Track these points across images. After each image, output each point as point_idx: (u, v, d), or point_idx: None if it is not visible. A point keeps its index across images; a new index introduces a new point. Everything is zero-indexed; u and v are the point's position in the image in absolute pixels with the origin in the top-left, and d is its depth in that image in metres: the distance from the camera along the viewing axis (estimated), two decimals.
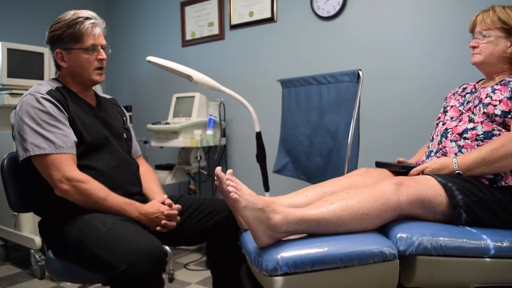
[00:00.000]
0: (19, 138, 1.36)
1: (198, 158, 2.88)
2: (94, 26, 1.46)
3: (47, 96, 1.36)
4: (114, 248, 1.17)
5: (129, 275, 1.12)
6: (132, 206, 1.38)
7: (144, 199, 1.52)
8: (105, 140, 1.47)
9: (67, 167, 1.32)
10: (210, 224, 1.50)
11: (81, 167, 1.38)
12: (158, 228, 1.39)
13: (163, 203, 1.43)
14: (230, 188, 1.08)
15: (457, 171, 1.28)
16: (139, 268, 1.12)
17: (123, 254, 1.14)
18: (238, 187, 1.09)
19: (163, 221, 1.38)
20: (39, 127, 1.33)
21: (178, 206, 1.46)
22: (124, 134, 1.60)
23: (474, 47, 1.47)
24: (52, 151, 1.32)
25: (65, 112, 1.39)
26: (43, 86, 1.42)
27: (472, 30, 1.50)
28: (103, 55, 1.49)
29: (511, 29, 1.39)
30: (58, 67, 1.51)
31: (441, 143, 1.42)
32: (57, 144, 1.32)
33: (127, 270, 1.11)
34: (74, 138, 1.38)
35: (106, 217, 1.29)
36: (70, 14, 1.46)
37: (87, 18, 1.45)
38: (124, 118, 1.68)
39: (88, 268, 1.26)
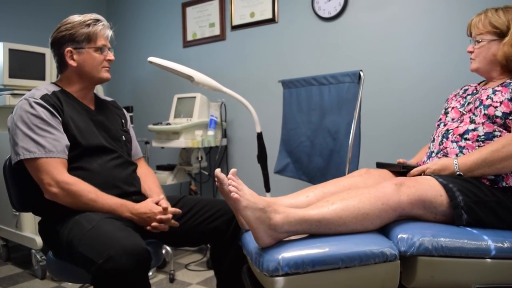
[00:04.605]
0: (12, 142, 1.38)
1: (199, 159, 2.88)
2: (105, 28, 1.53)
3: (40, 101, 1.38)
4: (95, 244, 1.16)
5: (106, 270, 1.10)
6: (123, 207, 1.38)
7: (143, 199, 1.51)
8: (100, 143, 1.48)
9: (56, 170, 1.33)
10: (213, 226, 1.50)
11: (75, 169, 1.39)
12: (148, 227, 1.39)
13: (157, 203, 1.43)
14: (231, 188, 1.08)
15: (458, 172, 1.29)
16: (116, 262, 1.09)
17: (101, 249, 1.13)
18: (239, 187, 1.09)
19: (154, 223, 1.38)
20: (31, 132, 1.35)
21: (174, 209, 1.45)
22: (123, 137, 1.61)
23: (471, 53, 1.47)
24: (42, 155, 1.33)
25: (58, 117, 1.40)
26: (39, 90, 1.44)
27: (469, 34, 1.50)
28: (111, 56, 1.55)
29: (501, 33, 1.38)
30: (62, 68, 1.52)
31: (442, 143, 1.42)
32: (47, 148, 1.34)
33: (103, 265, 1.10)
34: (66, 142, 1.39)
35: (95, 215, 1.29)
36: (79, 16, 1.50)
37: (98, 20, 1.51)
38: (123, 121, 1.68)
39: (79, 267, 1.25)
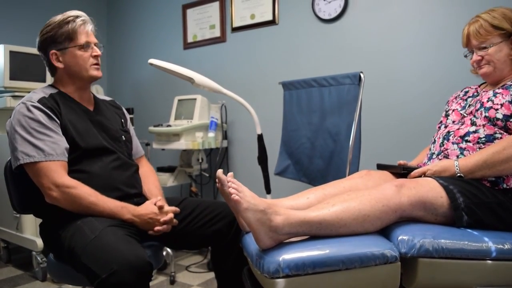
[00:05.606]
0: (11, 147, 1.37)
1: (200, 160, 2.89)
2: (85, 23, 1.48)
3: (38, 104, 1.37)
4: (98, 257, 1.15)
5: (110, 284, 1.09)
6: (124, 209, 1.38)
7: (144, 201, 1.51)
8: (100, 144, 1.47)
9: (56, 174, 1.33)
10: (215, 229, 1.49)
11: (75, 172, 1.39)
12: (150, 232, 1.39)
13: (155, 204, 1.42)
14: (231, 190, 1.08)
15: (458, 174, 1.29)
16: (119, 277, 1.09)
17: (105, 263, 1.12)
18: (240, 188, 1.09)
19: (157, 227, 1.38)
20: (29, 135, 1.34)
21: (173, 208, 1.45)
22: (123, 137, 1.60)
23: (479, 61, 1.44)
24: (41, 158, 1.33)
25: (56, 120, 1.39)
26: (36, 93, 1.43)
27: (467, 45, 1.48)
28: (97, 51, 1.50)
29: (508, 32, 1.38)
30: (52, 71, 1.51)
31: (443, 145, 1.42)
32: (47, 152, 1.33)
33: (107, 279, 1.09)
34: (65, 145, 1.38)
35: (97, 223, 1.28)
36: (59, 16, 1.47)
37: (77, 17, 1.46)
38: (123, 120, 1.67)
39: (81, 274, 1.24)
